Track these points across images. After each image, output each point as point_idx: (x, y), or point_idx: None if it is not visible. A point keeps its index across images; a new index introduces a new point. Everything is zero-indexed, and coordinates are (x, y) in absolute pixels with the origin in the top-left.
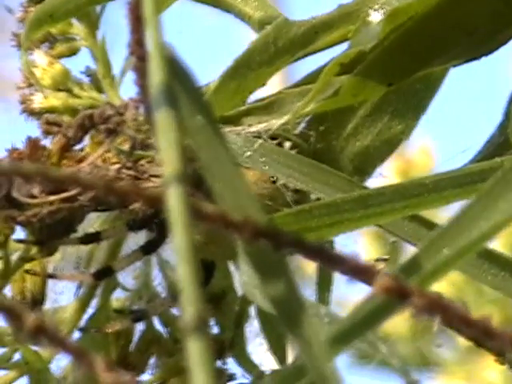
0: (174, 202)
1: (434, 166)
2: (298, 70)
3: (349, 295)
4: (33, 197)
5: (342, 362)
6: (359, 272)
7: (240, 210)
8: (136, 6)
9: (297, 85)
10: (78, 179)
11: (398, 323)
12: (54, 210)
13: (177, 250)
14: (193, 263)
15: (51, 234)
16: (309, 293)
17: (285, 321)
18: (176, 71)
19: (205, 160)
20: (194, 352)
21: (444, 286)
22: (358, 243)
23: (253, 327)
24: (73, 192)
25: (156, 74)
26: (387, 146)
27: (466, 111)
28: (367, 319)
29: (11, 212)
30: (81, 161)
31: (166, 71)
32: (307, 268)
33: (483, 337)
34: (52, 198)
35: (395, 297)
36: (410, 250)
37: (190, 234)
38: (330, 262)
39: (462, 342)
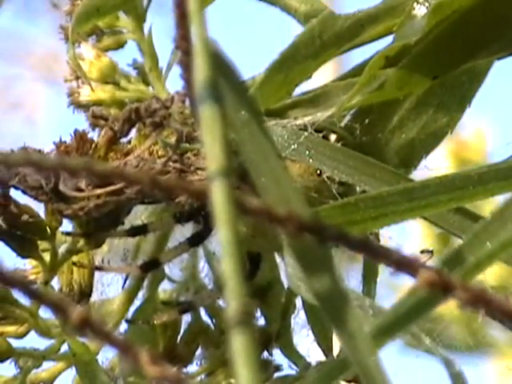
0: (219, 197)
1: (488, 149)
2: (351, 62)
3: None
4: (79, 190)
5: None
6: (403, 265)
7: (284, 204)
8: (182, 1)
9: (342, 78)
10: (124, 174)
11: (452, 304)
12: (100, 203)
13: (221, 244)
14: (237, 257)
15: (98, 226)
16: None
17: (329, 314)
18: (220, 66)
19: (249, 154)
20: (238, 346)
21: (490, 278)
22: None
23: (299, 319)
24: (119, 185)
25: (201, 70)
26: (432, 139)
27: None
28: (411, 312)
29: (58, 205)
30: (128, 154)
31: (211, 66)
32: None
33: None
34: (98, 191)
35: (438, 290)
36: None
37: (235, 228)
38: (374, 254)
39: None
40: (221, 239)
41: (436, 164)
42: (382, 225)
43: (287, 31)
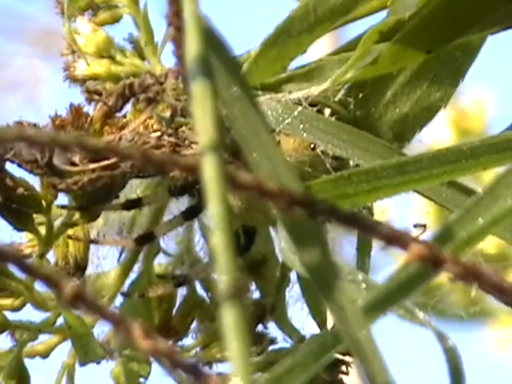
0: (209, 171)
1: (488, 118)
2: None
3: None
4: (74, 164)
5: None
6: (394, 239)
7: (275, 179)
8: None
9: (337, 52)
10: (116, 149)
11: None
12: (94, 177)
13: (212, 218)
14: (228, 231)
15: (93, 200)
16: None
17: (319, 287)
18: (212, 42)
19: (240, 130)
20: (229, 320)
21: (489, 247)
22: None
23: (294, 292)
24: (113, 160)
25: (192, 45)
26: (426, 113)
27: None
28: (403, 286)
29: (52, 179)
30: (123, 128)
31: (202, 42)
32: None
33: None
34: (93, 165)
35: (429, 264)
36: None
37: (225, 202)
38: (365, 229)
39: None
40: (211, 213)
41: (436, 133)
42: (375, 198)
43: (282, 6)
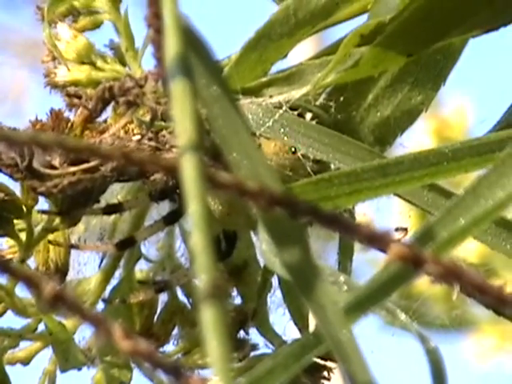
0: (189, 171)
1: (469, 126)
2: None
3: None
4: (53, 168)
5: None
6: (374, 240)
7: (256, 179)
8: None
9: (317, 56)
10: (96, 150)
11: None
12: (74, 180)
13: (191, 217)
14: (207, 231)
15: (73, 204)
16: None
17: (301, 287)
18: (192, 42)
19: (220, 130)
20: (209, 319)
21: (471, 256)
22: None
23: (275, 297)
24: (93, 163)
25: (172, 44)
26: (407, 117)
27: (505, 73)
28: (384, 287)
29: (32, 182)
30: (103, 132)
31: (182, 41)
32: None
33: (498, 304)
34: (73, 168)
35: (410, 264)
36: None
37: (205, 202)
38: (346, 230)
39: None
40: (191, 213)
41: (417, 141)
42: (355, 201)
43: (262, 11)
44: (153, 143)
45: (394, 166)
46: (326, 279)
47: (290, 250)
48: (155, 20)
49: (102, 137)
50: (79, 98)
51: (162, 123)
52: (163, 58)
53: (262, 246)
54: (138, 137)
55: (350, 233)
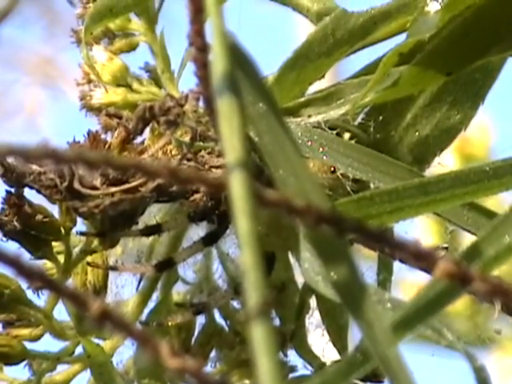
0: (237, 187)
1: (491, 143)
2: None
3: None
4: (95, 188)
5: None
6: (421, 258)
7: (303, 196)
8: None
9: (355, 76)
10: (142, 167)
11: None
12: (115, 201)
13: (240, 235)
14: (256, 248)
15: (113, 225)
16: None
17: (348, 306)
18: (238, 59)
19: (267, 147)
20: (259, 336)
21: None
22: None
23: (313, 319)
24: (134, 183)
25: (219, 62)
26: (446, 136)
27: None
28: (430, 305)
29: (73, 203)
30: (142, 153)
31: (229, 58)
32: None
33: None
34: (114, 189)
35: (457, 282)
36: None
37: (254, 219)
38: (392, 247)
39: None
40: (239, 230)
41: (439, 160)
42: (397, 219)
43: (296, 32)
44: (192, 163)
45: (435, 185)
46: (373, 298)
47: (336, 267)
48: (198, 38)
49: (141, 158)
50: (119, 118)
51: (201, 143)
52: (206, 76)
53: (304, 265)
54: (178, 157)
55: (397, 250)
